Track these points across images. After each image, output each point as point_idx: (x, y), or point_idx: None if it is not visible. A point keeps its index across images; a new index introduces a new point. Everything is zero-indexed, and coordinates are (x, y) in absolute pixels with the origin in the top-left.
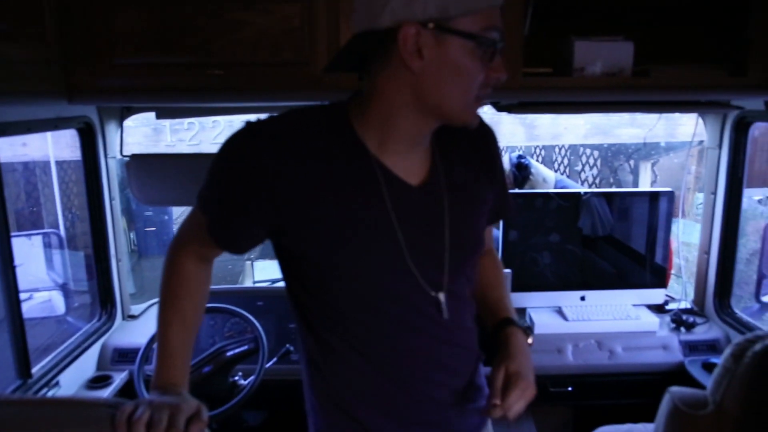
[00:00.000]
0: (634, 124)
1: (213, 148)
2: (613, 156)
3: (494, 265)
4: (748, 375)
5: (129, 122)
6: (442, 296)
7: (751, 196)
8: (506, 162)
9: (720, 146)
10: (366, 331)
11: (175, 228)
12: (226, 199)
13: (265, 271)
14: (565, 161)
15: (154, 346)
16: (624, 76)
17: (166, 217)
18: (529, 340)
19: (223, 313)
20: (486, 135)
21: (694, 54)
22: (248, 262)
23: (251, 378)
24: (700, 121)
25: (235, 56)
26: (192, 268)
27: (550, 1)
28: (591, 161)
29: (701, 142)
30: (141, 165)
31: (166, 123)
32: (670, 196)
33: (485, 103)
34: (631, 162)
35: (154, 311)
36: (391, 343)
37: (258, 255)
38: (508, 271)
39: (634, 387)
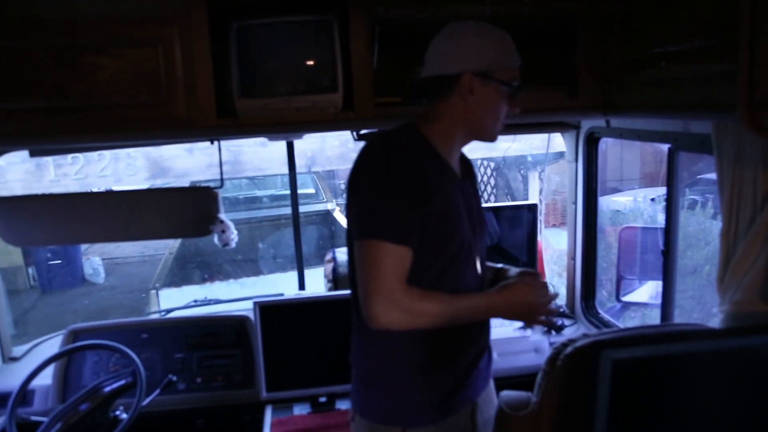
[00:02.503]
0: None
1: (101, 181)
2: (506, 168)
3: None
4: (561, 375)
5: (3, 161)
6: (477, 259)
7: (646, 196)
8: None
9: (576, 159)
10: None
11: (84, 258)
12: (409, 204)
13: (171, 300)
14: None
15: (34, 386)
16: None
17: (71, 248)
18: None
19: (100, 349)
20: (469, 159)
21: (542, 79)
22: (153, 292)
23: (131, 411)
24: (557, 135)
25: (92, 99)
26: (415, 292)
27: (393, 37)
28: (488, 172)
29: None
30: (7, 208)
31: (49, 158)
32: (533, 207)
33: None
34: (522, 172)
35: (39, 351)
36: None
37: (164, 283)
38: None
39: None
